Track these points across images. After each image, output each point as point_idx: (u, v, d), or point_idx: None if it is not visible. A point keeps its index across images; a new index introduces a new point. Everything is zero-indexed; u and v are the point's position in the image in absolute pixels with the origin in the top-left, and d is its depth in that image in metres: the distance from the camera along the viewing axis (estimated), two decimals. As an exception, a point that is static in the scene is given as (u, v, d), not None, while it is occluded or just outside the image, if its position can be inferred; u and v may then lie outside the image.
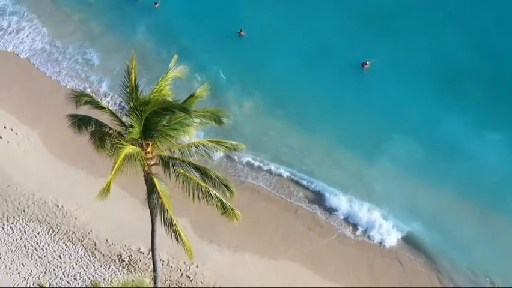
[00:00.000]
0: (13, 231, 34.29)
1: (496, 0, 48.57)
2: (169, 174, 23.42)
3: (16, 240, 33.83)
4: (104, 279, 31.96)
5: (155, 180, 23.23)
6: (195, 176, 23.37)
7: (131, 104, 23.28)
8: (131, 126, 23.18)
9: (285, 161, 38.86)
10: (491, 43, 45.00)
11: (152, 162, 23.98)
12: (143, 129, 22.89)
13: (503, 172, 37.01)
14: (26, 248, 33.47)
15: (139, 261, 32.91)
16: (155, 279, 28.29)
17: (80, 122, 24.49)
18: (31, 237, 34.00)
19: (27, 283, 31.69)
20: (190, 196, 23.27)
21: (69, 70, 46.76)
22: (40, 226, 34.66)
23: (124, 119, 24.05)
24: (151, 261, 28.82)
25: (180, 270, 32.47)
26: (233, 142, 24.48)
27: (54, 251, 33.35)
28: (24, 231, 34.32)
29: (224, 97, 42.69)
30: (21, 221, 34.88)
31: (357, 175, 37.90)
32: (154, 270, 27.90)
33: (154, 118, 22.59)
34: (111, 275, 32.20)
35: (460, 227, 34.53)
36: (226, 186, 23.17)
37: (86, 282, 31.74)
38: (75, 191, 36.74)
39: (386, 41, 45.64)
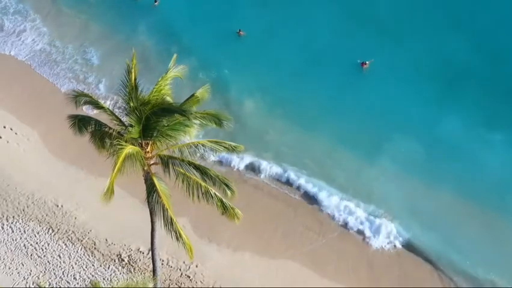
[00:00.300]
0: (13, 231, 34.28)
1: (496, 0, 48.56)
2: (169, 173, 23.43)
3: (16, 240, 33.82)
4: (103, 278, 31.95)
5: (155, 180, 23.22)
6: (195, 176, 23.38)
7: (131, 103, 23.27)
8: (131, 126, 23.20)
9: (285, 161, 38.83)
10: (491, 43, 44.98)
11: (152, 162, 23.98)
12: (143, 129, 22.88)
13: (504, 172, 36.97)
14: (25, 248, 33.45)
15: (138, 260, 32.90)
16: (154, 278, 28.26)
17: (80, 123, 24.50)
18: (31, 237, 33.98)
19: (26, 283, 31.68)
20: (190, 196, 23.28)
21: (67, 71, 46.78)
22: (40, 226, 34.65)
23: (123, 118, 24.04)
24: (151, 260, 28.79)
25: (180, 269, 32.46)
26: (232, 143, 24.46)
27: (53, 250, 33.34)
28: (24, 231, 34.31)
29: (223, 97, 42.69)
30: (20, 221, 34.87)
31: (357, 175, 37.88)
32: (154, 269, 27.89)
33: (153, 118, 22.58)
34: (111, 275, 32.19)
35: (460, 227, 34.48)
36: (227, 185, 23.17)
37: (86, 282, 31.72)
38: (75, 191, 36.75)
39: (386, 41, 45.66)
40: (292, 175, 37.91)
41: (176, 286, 31.78)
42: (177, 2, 52.03)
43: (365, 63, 44.03)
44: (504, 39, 45.25)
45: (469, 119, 39.84)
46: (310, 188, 37.12)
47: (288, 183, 37.70)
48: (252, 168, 38.66)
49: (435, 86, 42.32)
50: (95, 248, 33.55)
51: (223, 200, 23.32)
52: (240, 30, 47.90)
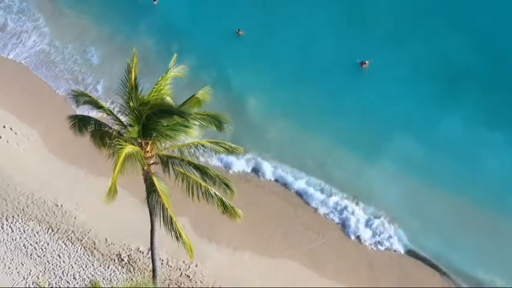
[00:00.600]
0: (12, 231, 34.26)
1: (495, 0, 48.58)
2: (169, 173, 23.43)
3: (15, 240, 33.80)
4: (103, 278, 31.94)
5: (155, 179, 23.23)
6: (195, 175, 23.38)
7: (131, 103, 23.27)
8: (131, 126, 23.21)
9: (286, 160, 38.82)
10: (491, 42, 44.98)
11: (152, 162, 23.99)
12: (142, 129, 22.89)
13: (504, 172, 36.95)
14: (25, 248, 33.44)
15: (138, 260, 32.89)
16: (154, 278, 28.26)
17: (80, 123, 24.50)
18: (30, 237, 33.97)
19: (26, 282, 31.66)
20: (190, 195, 23.29)
21: (65, 73, 46.73)
22: (39, 225, 34.63)
23: (123, 118, 24.04)
24: (151, 260, 28.79)
25: (179, 269, 32.45)
26: (232, 144, 24.39)
27: (53, 250, 33.32)
28: (24, 231, 34.29)
29: (223, 96, 42.60)
30: (20, 221, 34.85)
31: (357, 175, 37.87)
32: (153, 269, 27.89)
33: (153, 118, 22.58)
34: (110, 275, 32.18)
35: (460, 227, 34.49)
36: (226, 185, 23.17)
37: (86, 282, 31.71)
38: (74, 190, 36.75)
39: (386, 41, 45.71)
40: (292, 175, 37.91)
41: (176, 286, 31.77)
42: (176, 1, 52.01)
43: (365, 63, 44.05)
44: (504, 39, 45.25)
45: (469, 119, 39.85)
46: (310, 187, 37.09)
47: (288, 183, 37.65)
48: (252, 167, 38.62)
49: (435, 86, 42.34)
50: (94, 248, 33.54)
51: (223, 199, 23.33)
52: (239, 30, 47.90)
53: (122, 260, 32.97)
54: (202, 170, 23.44)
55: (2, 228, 34.34)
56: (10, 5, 53.66)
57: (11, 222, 34.70)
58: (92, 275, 32.05)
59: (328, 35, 46.78)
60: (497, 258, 32.95)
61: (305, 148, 39.46)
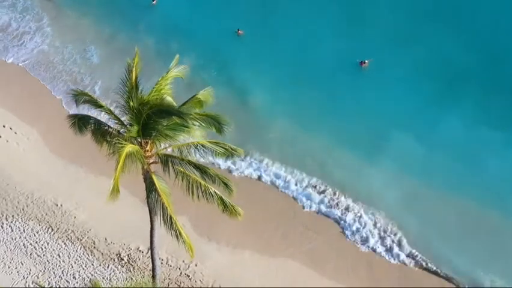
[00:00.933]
0: (12, 230, 34.26)
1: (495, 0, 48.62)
2: (169, 172, 23.43)
3: (15, 239, 33.79)
4: (103, 278, 31.93)
5: (155, 179, 23.23)
6: (195, 174, 23.37)
7: (131, 102, 23.27)
8: (130, 125, 23.22)
9: (286, 160, 38.79)
10: (490, 42, 44.99)
11: (151, 161, 23.99)
12: (142, 128, 22.88)
13: (503, 171, 36.93)
14: (25, 247, 33.43)
15: (138, 260, 32.88)
16: (154, 277, 28.26)
17: (80, 122, 24.51)
18: (30, 236, 33.96)
19: (26, 282, 31.65)
20: (190, 194, 23.29)
21: (64, 74, 46.65)
22: (39, 225, 34.63)
23: (122, 117, 24.04)
24: (150, 259, 28.79)
25: (179, 269, 32.45)
26: (232, 146, 24.28)
27: (53, 249, 33.32)
28: (23, 230, 34.29)
29: (223, 96, 42.48)
30: (20, 220, 34.85)
31: (357, 175, 37.78)
32: (153, 268, 27.88)
33: (152, 118, 22.58)
34: (110, 274, 32.17)
35: (460, 227, 34.45)
36: (226, 184, 23.18)
37: (85, 281, 31.71)
38: (74, 190, 36.76)
39: (385, 40, 45.70)
40: (292, 175, 37.91)
41: (176, 285, 31.76)
42: (175, 1, 52.06)
43: (364, 62, 44.06)
44: (504, 38, 45.23)
45: (470, 118, 39.85)
46: (310, 187, 37.09)
47: (288, 182, 37.64)
48: (252, 166, 38.61)
49: (435, 86, 42.33)
50: (94, 247, 33.54)
51: (223, 198, 23.33)
52: (238, 30, 47.91)
53: (122, 259, 32.97)
54: (201, 169, 23.45)
55: (2, 227, 34.34)
56: (15, 3, 53.70)
57: (11, 222, 34.71)
58: (92, 275, 32.05)
59: (328, 35, 46.80)
60: (497, 258, 32.88)
61: (305, 148, 39.44)
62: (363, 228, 34.87)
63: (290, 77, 44.12)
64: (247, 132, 39.83)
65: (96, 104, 24.78)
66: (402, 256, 33.46)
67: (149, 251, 28.14)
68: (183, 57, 26.21)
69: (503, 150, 38.24)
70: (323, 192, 36.80)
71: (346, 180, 37.35)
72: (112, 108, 25.28)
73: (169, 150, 24.39)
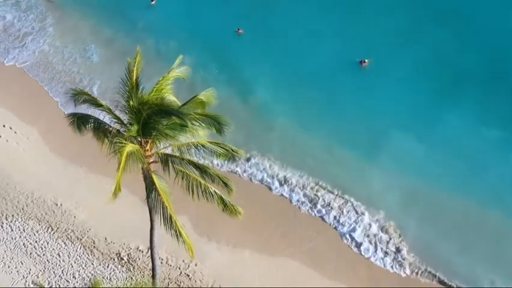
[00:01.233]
0: (12, 230, 34.26)
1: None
2: (168, 171, 23.42)
3: (15, 239, 33.79)
4: (103, 277, 31.92)
5: (154, 178, 23.22)
6: (194, 174, 23.36)
7: (131, 102, 23.26)
8: (130, 124, 23.21)
9: (286, 160, 38.74)
10: (490, 41, 44.92)
11: (151, 160, 23.98)
12: (142, 128, 22.87)
13: (503, 171, 36.90)
14: (24, 247, 33.43)
15: (137, 259, 32.88)
16: (154, 277, 28.26)
17: (79, 121, 24.50)
18: (30, 236, 33.96)
19: (26, 281, 31.65)
20: (190, 194, 23.28)
21: (63, 74, 46.59)
22: (39, 224, 34.62)
23: (122, 116, 24.03)
24: (150, 259, 28.78)
25: (179, 268, 32.43)
26: (233, 147, 24.17)
27: (53, 249, 33.31)
28: (23, 230, 34.29)
29: (223, 96, 42.36)
30: (20, 220, 34.84)
31: (356, 175, 37.69)
32: (153, 268, 27.88)
33: (152, 117, 22.57)
34: (110, 274, 32.16)
35: (460, 227, 34.37)
36: (226, 184, 23.16)
37: (85, 281, 31.70)
38: (74, 190, 36.76)
39: (385, 39, 45.62)
40: (292, 174, 37.87)
41: (176, 285, 31.75)
42: (174, 1, 52.08)
43: (364, 62, 44.04)
44: (504, 37, 45.17)
45: (470, 117, 39.79)
46: (309, 187, 37.06)
47: (288, 182, 37.61)
48: (252, 166, 38.57)
49: (434, 85, 42.24)
50: (94, 247, 33.53)
51: (223, 197, 23.31)
52: (238, 29, 47.91)
53: (122, 259, 32.97)
54: (201, 169, 23.44)
55: (2, 227, 34.33)
56: (19, 1, 53.76)
57: (11, 221, 34.70)
58: (92, 274, 32.03)
59: (327, 34, 46.78)
60: (497, 259, 32.81)
61: (305, 147, 39.34)
62: (362, 227, 34.77)
63: (290, 76, 44.09)
64: (247, 131, 39.82)
65: (96, 103, 24.76)
66: (401, 254, 33.33)
67: (149, 251, 28.14)
68: (184, 57, 26.11)
69: (503, 149, 38.16)
70: (322, 191, 36.69)
71: (345, 181, 37.24)
72: (111, 108, 25.21)
73: (169, 150, 24.38)
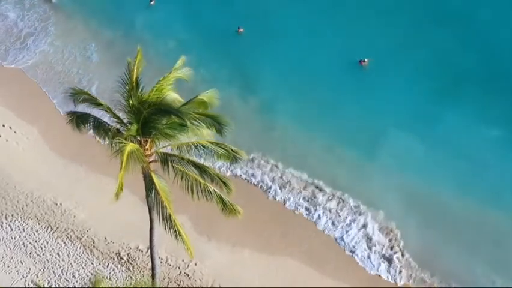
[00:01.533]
0: (12, 229, 34.25)
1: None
2: (168, 171, 23.38)
3: (15, 238, 33.78)
4: (102, 277, 31.90)
5: (154, 177, 23.19)
6: (194, 173, 23.33)
7: (130, 101, 23.23)
8: (130, 124, 23.18)
9: (286, 160, 38.67)
10: (490, 41, 44.87)
11: (151, 159, 23.95)
12: (142, 127, 22.84)
13: (504, 171, 36.83)
14: (24, 246, 33.42)
15: (137, 259, 32.86)
16: (153, 277, 28.23)
17: (78, 119, 24.48)
18: (30, 235, 33.95)
19: (25, 281, 31.64)
20: (190, 193, 23.25)
21: (62, 75, 46.52)
22: (39, 224, 34.61)
23: (121, 115, 24.00)
24: (150, 259, 28.76)
25: (179, 268, 32.41)
26: (233, 147, 23.99)
27: (52, 248, 33.30)
28: (23, 229, 34.28)
29: (223, 95, 42.23)
30: (19, 219, 34.84)
31: (355, 175, 37.62)
32: (153, 268, 27.84)
33: (152, 116, 22.53)
34: (110, 273, 32.15)
35: (460, 227, 34.31)
36: (225, 184, 23.11)
37: (85, 280, 31.69)
38: (74, 189, 36.75)
39: (385, 38, 45.56)
40: (291, 175, 37.82)
41: (175, 284, 31.74)
42: (173, 1, 52.09)
43: (364, 61, 44.00)
44: (504, 37, 45.12)
45: (470, 117, 39.73)
46: (308, 187, 37.00)
47: (287, 183, 37.55)
48: (252, 166, 38.52)
49: (434, 85, 42.16)
50: (94, 246, 33.51)
51: (223, 196, 23.27)
52: (239, 28, 47.88)
53: (122, 258, 32.95)
54: (201, 168, 23.40)
55: (1, 226, 34.33)
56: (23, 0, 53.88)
57: (10, 221, 34.69)
58: (92, 274, 32.01)
59: (327, 34, 46.71)
60: (498, 259, 32.74)
61: (306, 147, 39.28)
62: (361, 227, 34.72)
63: (290, 75, 44.02)
64: (248, 131, 39.71)
65: (95, 103, 24.71)
66: (401, 254, 33.27)
67: (149, 250, 28.12)
68: (182, 56, 26.06)
69: (504, 149, 38.09)
70: (321, 191, 36.65)
71: (345, 182, 37.16)
72: (110, 107, 25.17)
73: (168, 149, 24.34)
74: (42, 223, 34.66)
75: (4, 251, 33.04)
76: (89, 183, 37.15)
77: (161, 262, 32.11)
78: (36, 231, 34.17)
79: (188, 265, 32.48)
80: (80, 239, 33.91)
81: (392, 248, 33.70)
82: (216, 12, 50.12)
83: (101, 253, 33.18)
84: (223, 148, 23.82)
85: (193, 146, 23.68)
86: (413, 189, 36.30)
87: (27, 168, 38.24)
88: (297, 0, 50.05)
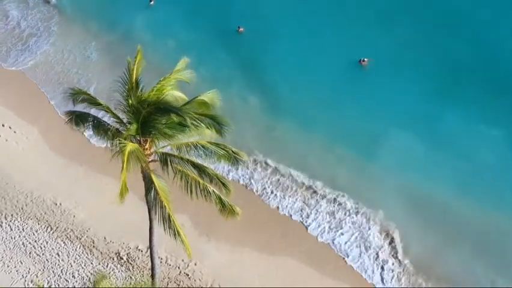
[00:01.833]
0: (11, 229, 34.24)
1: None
2: (167, 171, 23.36)
3: (14, 238, 33.77)
4: (104, 274, 31.86)
5: (153, 177, 23.18)
6: (193, 173, 23.30)
7: (130, 100, 23.21)
8: (129, 123, 23.16)
9: (286, 160, 38.63)
10: (489, 39, 44.79)
11: (150, 159, 23.93)
12: (141, 126, 22.81)
13: (504, 170, 36.78)
14: (24, 246, 33.40)
15: (137, 258, 32.84)
16: (153, 276, 28.20)
17: (77, 119, 24.47)
18: (29, 235, 33.94)
19: (25, 281, 31.63)
20: (189, 193, 23.23)
21: (62, 75, 46.47)
22: (38, 224, 34.60)
23: (121, 115, 23.97)
24: (149, 258, 28.74)
25: (178, 267, 32.39)
26: (233, 148, 23.85)
27: (52, 248, 33.29)
28: (23, 229, 34.27)
29: (223, 95, 42.22)
30: (19, 219, 34.82)
31: (354, 175, 37.56)
32: (152, 267, 27.82)
33: (152, 116, 22.50)
34: (109, 273, 32.13)
35: (459, 226, 34.26)
36: (224, 184, 23.08)
37: (85, 280, 31.68)
38: (74, 189, 36.73)
39: (385, 38, 45.52)
40: (290, 175, 37.78)
41: (175, 284, 31.72)
42: (173, 1, 52.10)
43: (363, 60, 43.96)
44: (504, 37, 45.07)
45: (470, 116, 39.68)
46: (307, 187, 36.97)
47: (288, 183, 37.52)
48: (252, 166, 38.49)
49: (434, 84, 42.09)
50: (93, 246, 33.49)
51: (222, 197, 23.24)
52: (239, 27, 47.86)
53: (121, 258, 32.93)
54: (200, 169, 23.37)
55: (1, 226, 34.33)
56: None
57: (10, 221, 34.68)
58: (91, 274, 31.99)
59: (327, 34, 46.68)
60: (498, 259, 32.68)
61: (304, 147, 39.23)
62: (360, 226, 34.66)
63: (290, 74, 43.99)
64: (248, 131, 39.71)
65: (94, 103, 24.68)
66: (400, 254, 33.22)
67: (149, 250, 28.11)
68: (183, 56, 25.99)
69: (504, 149, 38.05)
70: (320, 191, 36.60)
71: (344, 182, 37.11)
72: (110, 107, 25.13)
73: (168, 149, 24.31)
74: (41, 223, 34.64)
75: (4, 250, 33.04)
76: (88, 183, 37.12)
77: (160, 262, 32.09)
78: (36, 231, 34.15)
79: (188, 265, 32.46)
80: (80, 238, 33.89)
81: (392, 248, 33.66)
82: (216, 11, 50.08)
83: (101, 253, 33.17)
84: (223, 149, 23.70)
85: (192, 146, 23.64)
86: (413, 189, 36.21)
87: (27, 168, 38.22)
88: (297, 0, 49.98)
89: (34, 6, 53.46)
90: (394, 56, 44.25)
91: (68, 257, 32.85)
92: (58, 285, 31.50)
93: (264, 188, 37.23)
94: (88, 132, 38.64)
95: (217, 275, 32.02)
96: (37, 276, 31.70)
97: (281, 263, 32.87)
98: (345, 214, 35.47)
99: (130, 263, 32.62)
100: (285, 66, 44.76)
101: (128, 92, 23.46)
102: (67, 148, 39.32)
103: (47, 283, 31.53)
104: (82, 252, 33.11)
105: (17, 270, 32.15)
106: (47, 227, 34.42)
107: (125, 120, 23.86)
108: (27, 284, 31.48)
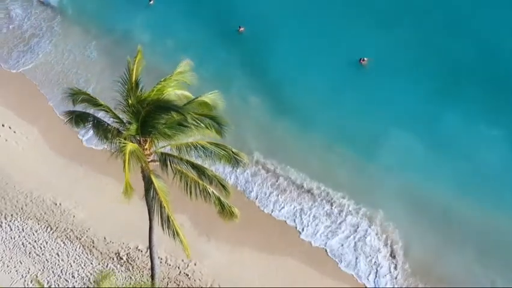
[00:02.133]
0: (11, 229, 34.23)
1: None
2: (167, 171, 23.33)
3: (14, 238, 33.76)
4: (108, 273, 31.82)
5: (153, 177, 23.15)
6: (192, 174, 23.26)
7: (129, 100, 23.18)
8: (129, 123, 23.12)
9: (287, 160, 38.61)
10: (489, 39, 44.78)
11: (150, 159, 23.90)
12: (141, 126, 22.78)
13: (504, 170, 36.76)
14: (24, 246, 33.40)
15: (137, 259, 32.82)
16: (153, 277, 28.18)
17: (77, 118, 24.44)
18: (29, 235, 33.93)
19: (25, 281, 31.62)
20: (188, 193, 23.20)
21: (61, 76, 46.45)
22: (38, 224, 34.59)
23: (121, 115, 23.95)
24: (149, 259, 28.71)
25: (178, 267, 32.38)
26: (234, 149, 23.70)
27: (52, 248, 33.28)
28: (22, 229, 34.26)
29: (223, 95, 42.27)
30: (19, 219, 34.81)
31: (356, 175, 37.54)
32: (152, 268, 27.80)
33: (151, 115, 22.46)
34: (109, 273, 32.07)
35: (459, 226, 34.26)
36: (223, 186, 23.04)
37: (84, 280, 31.66)
38: (74, 189, 36.72)
39: (385, 37, 45.50)
40: (290, 174, 37.75)
41: (175, 284, 31.70)
42: (172, 1, 52.09)
43: (363, 60, 43.95)
44: (505, 36, 45.05)
45: (470, 116, 39.65)
46: (307, 187, 36.94)
47: (287, 183, 37.49)
48: (252, 166, 38.46)
49: (434, 84, 42.10)
50: (93, 246, 33.48)
51: (221, 198, 23.20)
52: (240, 27, 47.84)
53: (121, 258, 32.92)
54: (200, 169, 23.33)
55: (1, 226, 34.32)
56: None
57: (10, 221, 34.67)
58: (91, 274, 31.98)
59: (328, 33, 46.69)
60: (498, 259, 32.65)
61: (303, 147, 39.23)
62: (359, 226, 34.64)
63: (290, 74, 43.98)
64: (248, 131, 39.70)
65: (94, 103, 24.63)
66: (400, 254, 33.19)
67: (148, 250, 28.07)
68: (183, 56, 25.95)
69: (504, 149, 38.03)
70: (323, 193, 36.58)
71: (344, 182, 37.08)
72: (109, 107, 25.10)
73: (167, 149, 24.28)
74: (41, 223, 34.63)
75: (3, 250, 33.03)
76: (88, 183, 37.10)
77: (160, 262, 32.08)
78: (36, 231, 34.14)
79: (187, 265, 32.45)
80: (80, 238, 33.88)
81: (391, 249, 33.64)
82: (216, 11, 50.05)
83: (101, 253, 33.15)
84: (223, 149, 23.55)
85: (192, 147, 23.58)
86: (413, 190, 36.20)
87: (26, 168, 38.21)
88: (297, 0, 49.98)
89: (38, 6, 53.45)
90: (394, 56, 44.26)
91: (68, 257, 32.84)
92: (58, 285, 31.49)
93: (263, 190, 37.20)
94: (85, 137, 38.88)
95: (217, 275, 32.01)
96: (37, 276, 31.69)
97: (281, 263, 32.85)
98: (345, 214, 35.43)
99: (130, 263, 32.60)
100: (285, 65, 44.75)
101: (128, 91, 23.43)
102: (66, 148, 39.32)
103: (47, 283, 31.52)
104: (82, 252, 33.10)
105: (16, 270, 32.14)
106: (47, 227, 34.41)
107: (125, 120, 23.82)
108: (27, 284, 31.47)
